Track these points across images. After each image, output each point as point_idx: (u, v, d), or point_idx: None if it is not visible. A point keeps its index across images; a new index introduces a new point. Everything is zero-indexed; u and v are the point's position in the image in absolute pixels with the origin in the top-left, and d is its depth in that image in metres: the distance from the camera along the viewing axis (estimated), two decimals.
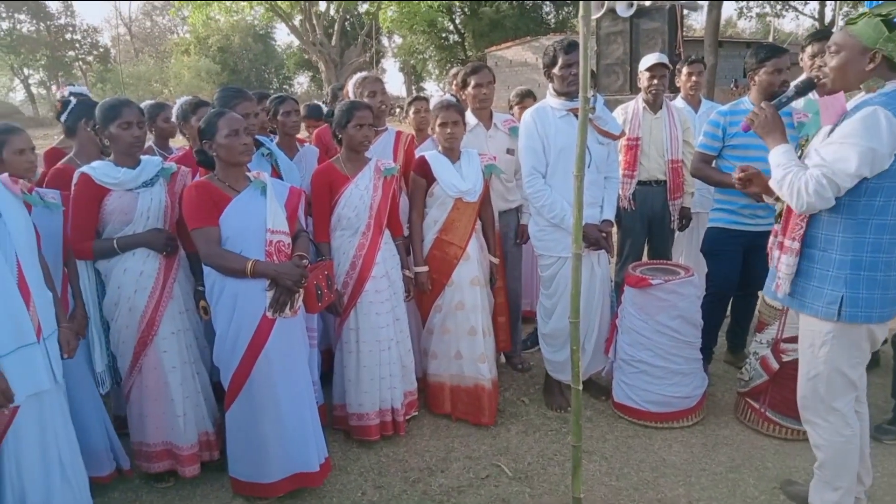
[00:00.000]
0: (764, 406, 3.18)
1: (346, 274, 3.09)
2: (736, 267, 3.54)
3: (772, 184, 2.25)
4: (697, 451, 3.07)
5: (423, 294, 3.38)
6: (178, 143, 4.38)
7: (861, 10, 2.14)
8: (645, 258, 4.18)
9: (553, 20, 30.47)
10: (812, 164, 2.11)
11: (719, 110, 3.51)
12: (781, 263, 2.27)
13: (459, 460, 3.04)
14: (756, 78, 3.35)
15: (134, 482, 2.90)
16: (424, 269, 3.32)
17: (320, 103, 5.13)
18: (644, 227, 4.08)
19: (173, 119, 3.51)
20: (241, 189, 2.62)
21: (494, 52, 25.98)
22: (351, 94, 3.66)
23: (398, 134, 3.66)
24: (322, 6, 29.60)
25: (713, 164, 3.48)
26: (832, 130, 2.16)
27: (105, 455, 2.77)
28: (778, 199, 2.36)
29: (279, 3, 26.95)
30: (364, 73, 3.75)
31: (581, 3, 1.92)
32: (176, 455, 2.78)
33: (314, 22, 28.82)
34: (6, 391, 2.05)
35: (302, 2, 27.41)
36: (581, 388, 2.23)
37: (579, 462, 2.26)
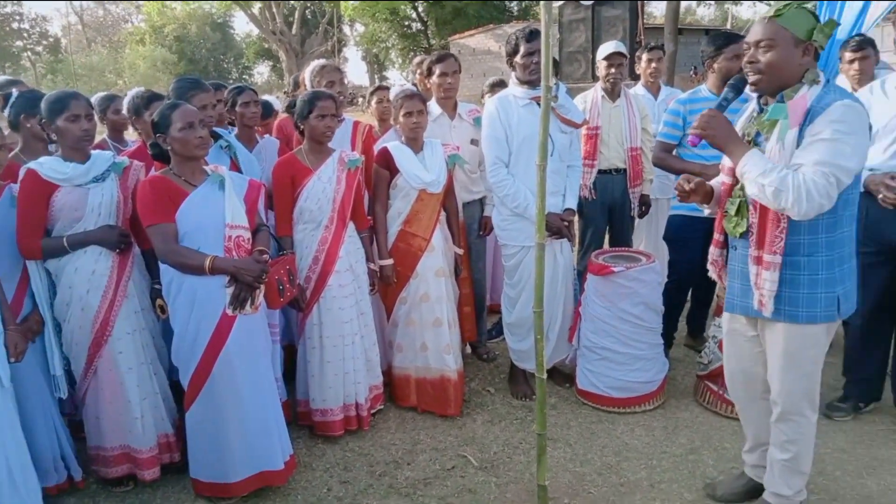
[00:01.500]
0: (722, 388, 3.23)
1: (309, 268, 3.04)
2: (699, 254, 3.54)
3: (752, 191, 2.06)
4: (659, 434, 3.13)
5: (387, 286, 3.35)
6: (134, 135, 4.24)
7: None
8: (606, 246, 4.22)
9: (516, 8, 30.41)
10: (811, 163, 1.95)
11: (678, 99, 3.55)
12: (763, 280, 2.12)
13: (426, 452, 3.04)
14: (715, 65, 3.40)
15: (91, 488, 2.82)
16: (389, 261, 3.30)
17: (271, 98, 4.95)
18: (605, 215, 4.12)
19: (124, 112, 3.39)
20: (199, 183, 2.55)
21: (457, 41, 25.85)
22: (308, 84, 3.59)
23: (356, 124, 3.61)
24: None
25: (674, 153, 3.53)
26: (801, 131, 2.03)
27: (53, 464, 2.66)
28: (739, 211, 2.20)
29: None
30: (322, 62, 3.68)
31: None
32: (134, 458, 2.71)
33: (274, 10, 28.31)
34: None
35: None
36: (545, 376, 2.24)
37: (544, 450, 2.28)
